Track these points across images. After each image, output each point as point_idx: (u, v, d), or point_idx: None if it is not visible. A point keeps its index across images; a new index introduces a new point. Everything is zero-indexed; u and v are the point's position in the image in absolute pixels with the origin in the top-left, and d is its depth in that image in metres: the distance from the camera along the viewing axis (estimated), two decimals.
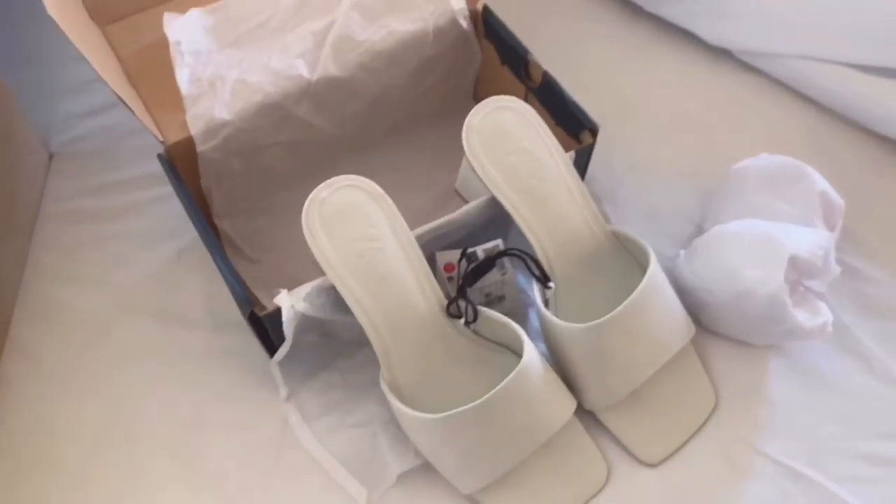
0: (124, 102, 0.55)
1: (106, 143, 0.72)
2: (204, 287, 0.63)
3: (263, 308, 0.51)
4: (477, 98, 0.72)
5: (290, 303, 0.50)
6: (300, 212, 0.52)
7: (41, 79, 0.76)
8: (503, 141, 0.55)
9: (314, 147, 0.65)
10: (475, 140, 0.55)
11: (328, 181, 0.52)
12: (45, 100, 0.74)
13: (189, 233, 0.66)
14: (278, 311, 0.50)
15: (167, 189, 0.68)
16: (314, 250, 0.51)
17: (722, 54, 0.76)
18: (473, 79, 0.71)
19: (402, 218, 0.52)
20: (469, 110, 0.58)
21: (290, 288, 0.51)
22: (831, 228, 0.59)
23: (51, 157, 0.72)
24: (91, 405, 0.58)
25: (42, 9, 0.53)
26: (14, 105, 0.66)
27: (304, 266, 0.62)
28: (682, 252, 0.60)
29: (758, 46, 0.73)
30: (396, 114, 0.68)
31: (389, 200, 0.53)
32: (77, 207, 0.68)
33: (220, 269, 0.53)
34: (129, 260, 0.65)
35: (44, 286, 0.64)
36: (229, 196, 0.63)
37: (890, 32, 0.67)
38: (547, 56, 0.61)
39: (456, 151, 0.56)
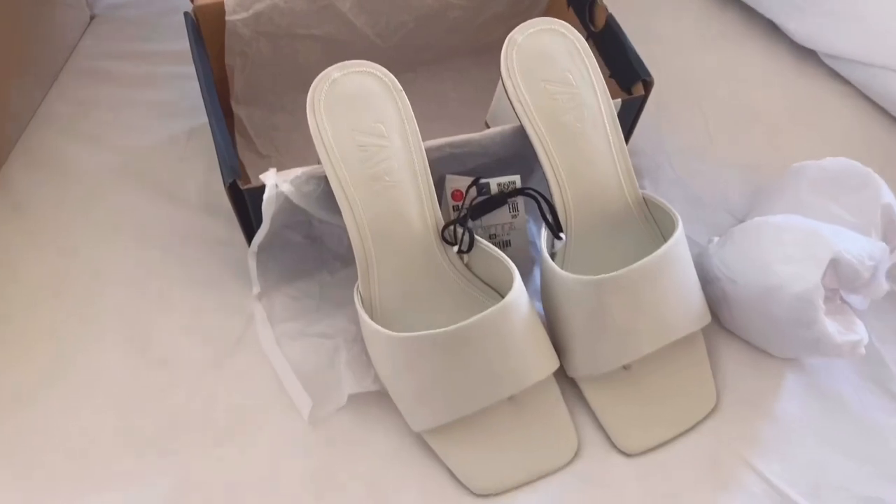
0: None
1: (147, 14, 0.70)
2: (205, 170, 0.60)
3: (248, 181, 0.47)
4: None
5: (275, 181, 0.46)
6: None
7: None
8: (545, 65, 0.50)
9: (350, 51, 0.61)
10: (514, 58, 0.50)
11: (346, 62, 0.48)
12: None
13: (198, 117, 0.63)
14: (262, 188, 0.46)
15: (189, 67, 0.66)
16: (312, 131, 0.47)
17: (807, 54, 0.70)
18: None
19: (415, 120, 0.48)
20: None
21: None
22: (890, 245, 0.52)
23: (92, 17, 0.70)
24: (61, 261, 0.55)
25: None
26: None
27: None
28: (715, 238, 0.54)
29: (847, 51, 0.66)
30: (446, 38, 0.63)
31: (405, 97, 0.48)
32: (103, 68, 0.66)
33: (213, 134, 0.49)
34: (138, 128, 0.62)
35: (49, 137, 0.62)
36: (252, 82, 0.60)
37: None
38: (621, 22, 0.56)
39: (483, 88, 0.52)
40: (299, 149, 0.61)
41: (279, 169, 0.60)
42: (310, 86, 0.46)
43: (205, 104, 0.52)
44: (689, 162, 0.62)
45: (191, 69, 0.65)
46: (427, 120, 0.49)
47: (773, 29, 0.71)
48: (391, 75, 0.48)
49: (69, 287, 0.54)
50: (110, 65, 0.66)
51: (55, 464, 0.46)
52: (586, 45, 0.51)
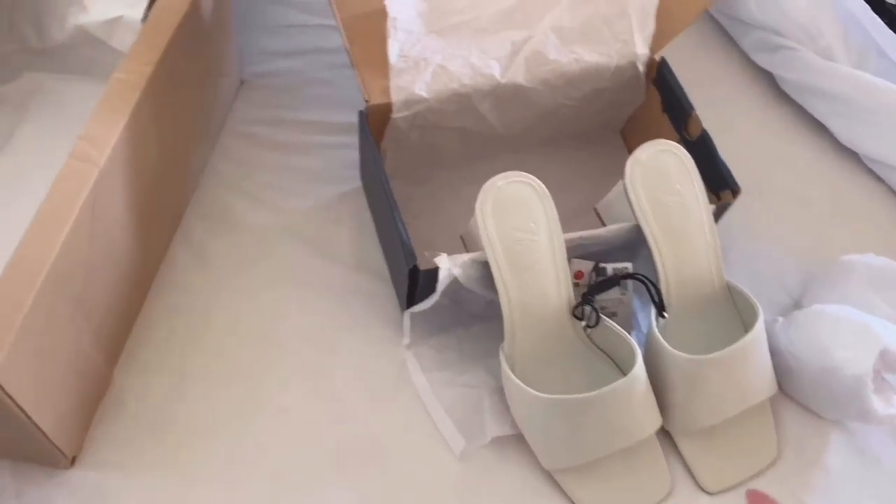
0: (349, 55, 0.64)
1: (291, 83, 0.81)
2: (354, 231, 0.72)
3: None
4: (624, 133, 0.80)
5: (449, 266, 0.58)
6: (452, 189, 0.61)
7: (249, 12, 0.84)
8: (662, 180, 0.62)
9: (481, 138, 0.73)
10: (637, 173, 0.62)
11: (507, 173, 0.60)
12: (247, 32, 0.83)
13: (350, 182, 0.74)
14: (436, 269, 0.58)
15: (338, 139, 0.77)
16: (480, 228, 0.59)
17: (850, 154, 0.82)
18: (628, 116, 0.78)
19: (558, 220, 0.60)
20: (614, 142, 0.66)
21: (430, 252, 0.59)
22: None
23: (241, 82, 0.80)
24: (243, 307, 0.66)
25: None
26: (231, 29, 0.75)
27: (444, 237, 0.71)
28: (780, 319, 0.66)
29: (886, 158, 0.79)
30: (556, 127, 0.75)
31: (552, 203, 0.60)
32: (257, 133, 0.77)
33: (395, 223, 0.60)
34: (294, 191, 0.73)
35: (218, 192, 0.73)
36: (398, 161, 0.71)
37: None
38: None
39: (592, 173, 0.65)
40: (431, 214, 0.72)
41: (414, 235, 0.72)
42: (443, 163, 0.57)
43: (378, 194, 0.63)
44: (750, 244, 0.75)
45: (336, 139, 0.77)
46: None
47: (819, 127, 0.84)
48: (542, 185, 0.60)
49: (252, 330, 0.65)
50: (264, 130, 0.77)
51: (252, 484, 0.58)
52: (693, 163, 0.63)
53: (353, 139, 0.75)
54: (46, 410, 0.52)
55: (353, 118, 0.77)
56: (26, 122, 0.73)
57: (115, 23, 0.70)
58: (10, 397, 0.47)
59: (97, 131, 0.54)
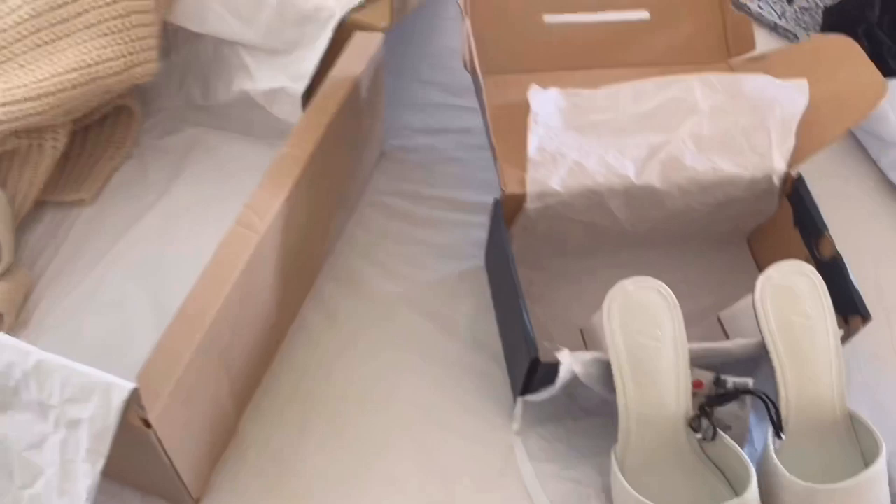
0: (490, 142, 0.67)
1: (426, 159, 0.85)
2: (473, 309, 0.74)
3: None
4: (750, 241, 0.80)
5: (570, 363, 0.59)
6: (573, 278, 0.65)
7: (395, 89, 0.89)
8: (792, 301, 0.62)
9: (606, 232, 0.74)
10: (768, 292, 0.62)
11: (638, 278, 0.61)
12: (391, 107, 0.88)
13: (472, 260, 0.77)
14: (556, 364, 0.60)
15: (465, 216, 0.80)
16: (606, 330, 0.60)
17: None
18: (757, 225, 0.78)
19: (684, 330, 0.61)
20: (739, 248, 0.66)
21: (549, 343, 0.60)
22: None
23: (381, 154, 0.85)
24: (364, 369, 0.69)
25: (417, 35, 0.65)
26: (382, 107, 0.80)
27: (560, 325, 0.72)
28: None
29: None
30: (683, 229, 0.76)
31: (680, 312, 0.61)
32: (391, 203, 0.81)
33: (519, 312, 0.62)
34: (421, 263, 0.77)
35: (351, 258, 0.77)
36: (522, 246, 0.74)
37: None
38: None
39: (714, 278, 0.69)
40: (549, 301, 0.74)
41: (531, 318, 0.73)
42: (565, 252, 0.58)
43: (503, 279, 0.66)
44: (876, 370, 0.73)
45: (463, 216, 0.80)
46: None
47: None
48: (671, 293, 0.61)
49: (370, 395, 0.68)
50: (397, 202, 0.81)
51: None
52: (825, 288, 0.63)
53: (479, 218, 0.78)
54: (184, 454, 0.56)
55: (481, 197, 0.81)
56: (185, 173, 0.79)
57: (277, 92, 0.76)
58: (161, 442, 0.51)
59: (261, 201, 0.59)
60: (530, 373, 0.62)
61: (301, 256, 0.69)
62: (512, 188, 0.69)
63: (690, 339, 0.62)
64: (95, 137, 0.80)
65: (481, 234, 0.76)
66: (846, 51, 0.73)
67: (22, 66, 0.69)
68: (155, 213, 0.76)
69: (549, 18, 0.80)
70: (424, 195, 0.82)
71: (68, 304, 0.70)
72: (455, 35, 0.93)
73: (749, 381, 0.64)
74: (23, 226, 0.74)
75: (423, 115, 0.88)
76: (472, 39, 0.70)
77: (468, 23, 0.72)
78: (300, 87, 0.74)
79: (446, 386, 0.69)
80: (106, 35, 0.70)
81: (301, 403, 0.67)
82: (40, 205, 0.76)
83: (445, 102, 0.89)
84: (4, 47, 0.69)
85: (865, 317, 0.64)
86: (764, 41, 0.89)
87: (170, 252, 0.73)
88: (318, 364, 0.69)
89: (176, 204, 0.77)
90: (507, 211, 0.70)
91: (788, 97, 0.72)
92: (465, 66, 0.76)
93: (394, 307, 0.73)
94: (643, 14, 0.82)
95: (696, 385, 0.64)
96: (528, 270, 0.76)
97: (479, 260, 0.77)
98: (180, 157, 0.81)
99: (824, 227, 0.69)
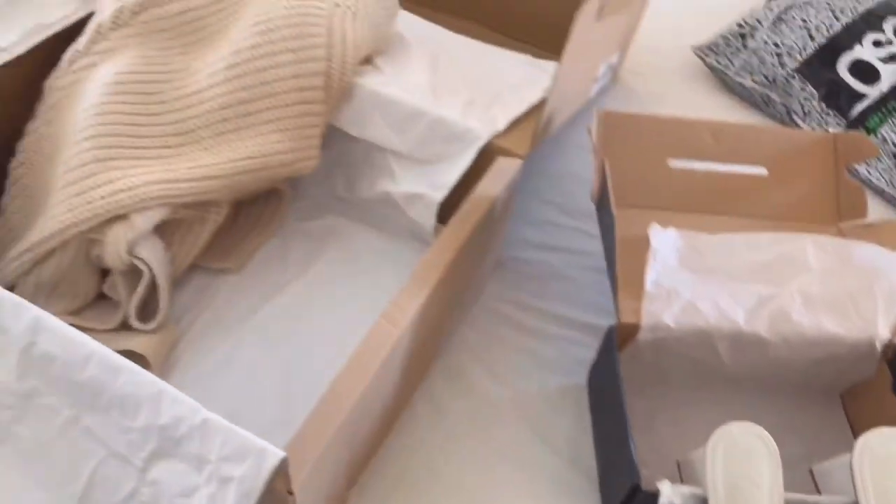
0: (613, 271, 0.73)
1: (540, 274, 0.91)
2: (571, 425, 0.78)
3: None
4: (844, 396, 0.82)
5: (671, 494, 0.62)
6: (671, 410, 0.73)
7: (519, 205, 0.96)
8: (890, 469, 0.64)
9: (709, 369, 0.78)
10: (867, 457, 0.64)
11: (743, 423, 0.64)
12: (511, 219, 0.95)
13: (574, 377, 0.81)
14: (656, 494, 0.63)
15: (572, 333, 0.85)
16: (708, 468, 0.63)
17: None
18: (851, 384, 0.80)
19: (782, 479, 0.63)
20: (832, 402, 0.69)
21: (645, 471, 0.63)
22: None
23: (498, 262, 0.91)
24: (465, 467, 0.73)
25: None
26: (508, 221, 0.87)
27: (655, 453, 0.75)
28: None
29: None
30: (782, 379, 0.79)
31: (779, 461, 0.64)
32: (503, 310, 0.86)
33: (625, 437, 0.66)
34: (526, 371, 0.81)
35: (461, 357, 0.82)
36: (627, 374, 0.77)
37: None
38: None
39: (805, 429, 0.73)
40: (646, 429, 0.77)
41: None
42: (667, 384, 0.62)
43: (609, 403, 0.70)
44: None
45: (570, 333, 0.85)
46: None
47: None
48: (773, 442, 0.64)
49: (469, 495, 0.72)
50: (509, 310, 0.86)
51: None
52: None
53: (586, 337, 0.83)
54: None
55: (588, 318, 0.86)
56: (323, 257, 0.87)
57: (416, 197, 0.83)
58: None
59: (405, 300, 0.65)
60: (628, 499, 0.66)
61: (423, 350, 0.75)
62: (627, 318, 0.74)
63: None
64: (247, 214, 0.89)
65: (585, 353, 0.81)
66: None
67: (206, 148, 0.79)
68: (292, 290, 0.83)
69: (674, 163, 0.87)
70: (535, 307, 0.87)
71: (206, 365, 0.77)
72: (576, 161, 1.00)
73: None
74: (174, 286, 0.82)
75: (540, 231, 0.94)
76: (607, 174, 0.77)
77: (600, 158, 0.79)
78: (438, 195, 0.81)
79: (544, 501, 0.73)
80: (281, 131, 0.79)
81: (404, 492, 0.71)
82: (191, 268, 0.84)
83: (562, 222, 0.95)
84: (193, 130, 0.79)
85: None
86: (873, 207, 0.93)
87: (302, 329, 0.80)
88: (425, 456, 0.74)
89: (311, 284, 0.84)
90: (619, 338, 0.74)
91: None
92: (592, 196, 0.82)
93: (498, 411, 0.78)
94: (761, 170, 0.88)
95: None
96: (630, 397, 0.79)
97: (580, 378, 0.81)
98: (319, 242, 0.88)
99: None
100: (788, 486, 0.65)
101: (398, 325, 0.64)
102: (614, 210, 0.76)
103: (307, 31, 0.81)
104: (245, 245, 0.87)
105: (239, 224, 0.89)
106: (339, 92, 0.82)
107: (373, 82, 0.84)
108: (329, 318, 0.80)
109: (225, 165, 0.77)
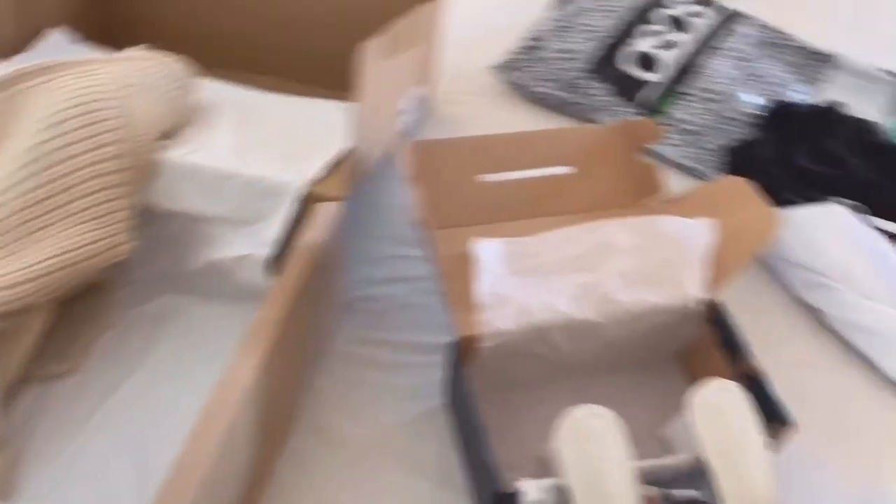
0: (442, 291, 0.75)
1: (388, 307, 0.92)
2: (437, 447, 0.79)
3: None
4: (684, 362, 0.88)
5: (529, 491, 0.65)
6: (520, 408, 0.74)
7: (354, 247, 0.98)
8: (720, 417, 0.69)
9: (553, 364, 0.82)
10: (697, 411, 0.70)
11: (585, 406, 0.68)
12: (350, 262, 0.96)
13: (432, 401, 0.83)
14: (517, 493, 0.65)
15: (425, 358, 0.86)
16: (558, 457, 0.66)
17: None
18: (681, 347, 0.87)
19: (631, 451, 0.67)
20: (675, 370, 0.74)
21: (510, 474, 0.66)
22: None
23: (344, 306, 0.92)
24: None
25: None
26: (343, 266, 0.88)
27: (518, 454, 0.77)
28: None
29: None
30: (621, 355, 0.84)
31: (625, 435, 0.67)
32: (355, 352, 0.87)
33: (483, 451, 0.68)
34: (386, 408, 0.82)
35: (319, 408, 0.82)
36: (477, 383, 0.80)
37: None
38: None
39: (654, 399, 0.76)
40: (501, 432, 0.78)
41: None
42: (514, 385, 0.67)
43: (464, 417, 0.72)
44: (805, 478, 0.80)
45: (423, 358, 0.86)
46: None
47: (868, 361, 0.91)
48: (617, 418, 0.68)
49: None
50: (361, 350, 0.87)
51: None
52: (749, 402, 0.70)
53: (439, 359, 0.85)
54: None
55: (441, 339, 0.87)
56: (162, 339, 0.85)
57: (244, 259, 0.83)
58: None
59: (239, 365, 0.65)
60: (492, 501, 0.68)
61: (275, 412, 0.75)
62: (465, 331, 0.76)
63: (637, 458, 0.69)
64: (74, 311, 0.85)
65: (441, 374, 0.83)
66: (742, 190, 0.85)
67: (12, 253, 0.75)
68: (134, 380, 0.80)
69: (483, 177, 0.91)
70: (388, 341, 0.88)
71: (52, 474, 0.73)
72: (398, 193, 1.03)
73: (695, 493, 0.70)
74: (7, 401, 0.78)
75: (381, 266, 0.96)
76: (420, 201, 0.80)
77: (414, 186, 0.82)
78: (264, 252, 0.82)
79: None
80: (87, 222, 0.77)
81: None
82: (24, 379, 0.80)
83: (399, 253, 0.97)
84: None
85: (790, 425, 0.72)
86: (676, 181, 1.01)
87: (149, 417, 0.77)
88: None
89: (154, 370, 0.82)
90: (461, 352, 0.77)
91: (698, 234, 0.83)
92: (412, 224, 0.85)
93: (366, 453, 0.78)
94: (567, 169, 0.94)
95: (650, 501, 0.70)
96: (486, 406, 0.82)
97: (437, 398, 0.83)
98: (156, 324, 0.86)
99: (745, 345, 0.78)
100: (647, 455, 0.69)
101: (236, 391, 0.64)
102: (433, 232, 0.79)
103: (98, 116, 0.79)
104: (78, 344, 0.84)
105: (67, 323, 0.85)
106: (143, 171, 0.81)
107: (178, 154, 0.83)
108: (176, 400, 0.78)
109: (34, 268, 0.74)
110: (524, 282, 0.80)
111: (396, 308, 0.92)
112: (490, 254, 0.82)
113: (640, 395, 0.84)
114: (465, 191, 0.92)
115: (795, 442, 0.75)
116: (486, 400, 0.82)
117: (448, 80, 1.19)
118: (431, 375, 0.85)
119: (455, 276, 0.81)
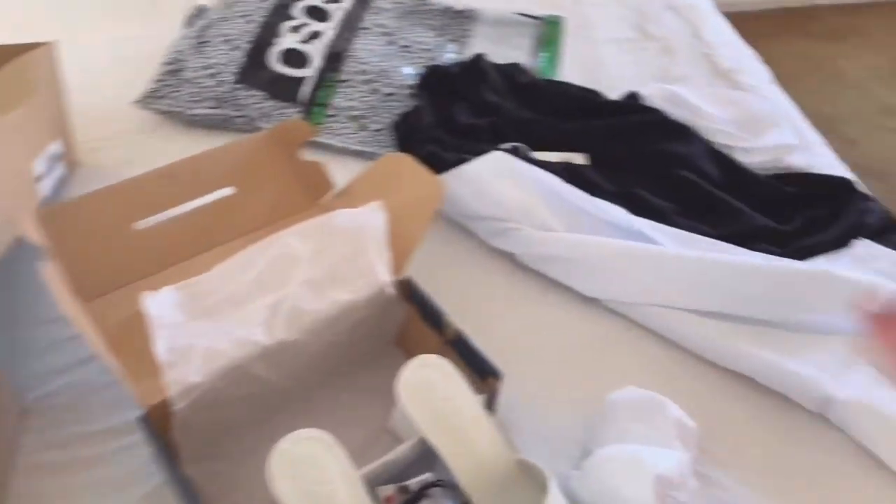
0: (116, 371, 0.67)
1: (74, 398, 0.81)
2: None
3: None
4: (400, 344, 0.87)
5: None
6: (256, 453, 0.64)
7: (17, 340, 0.85)
8: (430, 391, 0.69)
9: (268, 397, 0.77)
10: (406, 392, 0.69)
11: (292, 434, 0.64)
12: (18, 358, 0.84)
13: (152, 480, 0.75)
14: None
15: (130, 438, 0.78)
16: (277, 494, 0.62)
17: (593, 302, 0.95)
18: (396, 330, 0.86)
19: (350, 462, 0.64)
20: (392, 355, 0.72)
21: None
22: (688, 448, 0.74)
23: (23, 412, 0.80)
24: None
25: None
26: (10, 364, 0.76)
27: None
28: (573, 472, 0.73)
29: (621, 297, 0.92)
30: (336, 362, 0.82)
31: (340, 448, 0.65)
32: (47, 461, 0.76)
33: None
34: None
35: None
36: (195, 444, 0.74)
37: (720, 286, 0.88)
38: (454, 313, 0.78)
39: (383, 390, 0.71)
40: (243, 483, 0.75)
41: None
42: (241, 431, 0.60)
43: (179, 489, 0.65)
44: (537, 408, 0.83)
45: (125, 440, 0.78)
46: (341, 426, 0.68)
47: (563, 286, 0.96)
48: (327, 434, 0.65)
49: None
50: (52, 456, 0.76)
51: None
52: (451, 366, 0.71)
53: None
54: None
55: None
56: None
57: None
58: None
59: None
60: None
61: None
62: (152, 399, 0.69)
63: (374, 459, 0.67)
64: None
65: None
66: (404, 164, 0.86)
67: None
68: None
69: (139, 225, 0.83)
70: (79, 434, 0.78)
71: None
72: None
73: (429, 475, 0.70)
74: None
75: (57, 353, 0.85)
76: (57, 274, 0.70)
77: (50, 259, 0.72)
78: None
79: None
80: None
81: None
82: None
83: (71, 334, 0.86)
84: None
85: (496, 375, 0.74)
86: (351, 168, 0.99)
87: None
88: None
89: None
90: (157, 421, 0.69)
91: (370, 219, 0.82)
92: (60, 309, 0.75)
93: None
94: (227, 190, 0.88)
95: (389, 501, 0.68)
96: (211, 463, 0.76)
97: (156, 479, 0.75)
98: None
99: (442, 313, 0.78)
100: (386, 452, 0.68)
101: None
102: (75, 307, 0.70)
103: None
104: None
105: None
106: None
107: None
108: None
109: None
110: (208, 323, 0.74)
111: (86, 395, 0.82)
112: (163, 306, 0.75)
113: (368, 393, 0.82)
114: (123, 244, 0.83)
115: (513, 384, 0.77)
116: (212, 458, 0.76)
117: (89, 126, 1.08)
118: (143, 454, 0.76)
119: (130, 343, 0.73)
